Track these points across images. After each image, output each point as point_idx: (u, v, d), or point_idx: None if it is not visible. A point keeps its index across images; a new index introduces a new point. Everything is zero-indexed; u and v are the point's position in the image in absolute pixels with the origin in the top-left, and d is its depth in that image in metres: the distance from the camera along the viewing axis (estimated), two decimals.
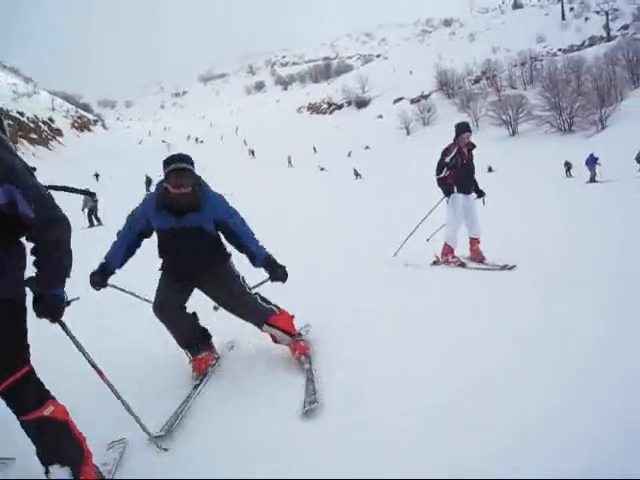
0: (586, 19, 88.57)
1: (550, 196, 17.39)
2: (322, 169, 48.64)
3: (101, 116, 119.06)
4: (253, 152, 63.80)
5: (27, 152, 60.72)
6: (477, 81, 75.93)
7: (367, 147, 63.62)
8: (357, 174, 40.96)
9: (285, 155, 56.57)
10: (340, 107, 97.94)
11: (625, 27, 76.94)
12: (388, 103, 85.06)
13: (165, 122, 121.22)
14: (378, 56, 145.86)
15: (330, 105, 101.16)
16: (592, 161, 25.12)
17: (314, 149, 64.16)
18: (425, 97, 78.13)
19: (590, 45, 74.50)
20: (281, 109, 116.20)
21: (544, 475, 2.30)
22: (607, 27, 75.80)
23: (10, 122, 62.14)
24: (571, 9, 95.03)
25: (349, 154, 62.80)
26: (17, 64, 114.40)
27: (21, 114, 67.08)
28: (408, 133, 69.67)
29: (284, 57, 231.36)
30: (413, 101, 78.82)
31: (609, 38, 72.77)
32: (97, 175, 42.86)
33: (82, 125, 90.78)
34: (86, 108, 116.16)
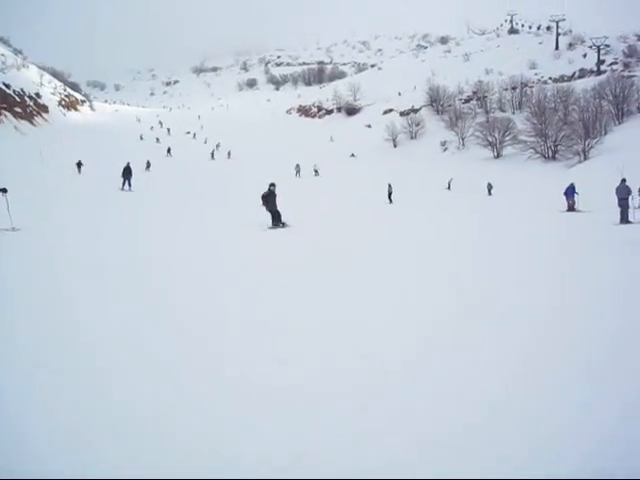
0: (573, 49, 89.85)
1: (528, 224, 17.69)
2: (316, 172, 47.33)
3: (89, 97, 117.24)
4: (229, 153, 59.72)
5: (9, 125, 59.45)
6: (467, 101, 76.68)
7: (353, 155, 63.82)
8: (390, 196, 31.38)
9: (270, 154, 56.26)
10: (330, 112, 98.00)
11: (615, 63, 78.45)
12: (378, 113, 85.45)
13: (154, 110, 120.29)
14: (372, 66, 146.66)
15: (320, 109, 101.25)
16: (572, 191, 25.52)
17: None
18: (415, 111, 78.64)
19: (580, 77, 75.72)
20: (271, 108, 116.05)
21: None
22: (598, 61, 76.91)
23: None
24: (560, 34, 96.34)
25: (352, 155, 63.07)
26: (6, 34, 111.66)
27: (7, 86, 65.51)
28: (395, 145, 70.05)
29: (279, 57, 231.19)
30: (402, 114, 79.28)
31: (599, 72, 74.01)
32: (80, 164, 37.90)
33: (69, 104, 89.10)
34: (75, 87, 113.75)
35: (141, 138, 69.86)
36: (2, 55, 77.78)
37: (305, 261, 9.41)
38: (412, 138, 71.26)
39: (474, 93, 77.85)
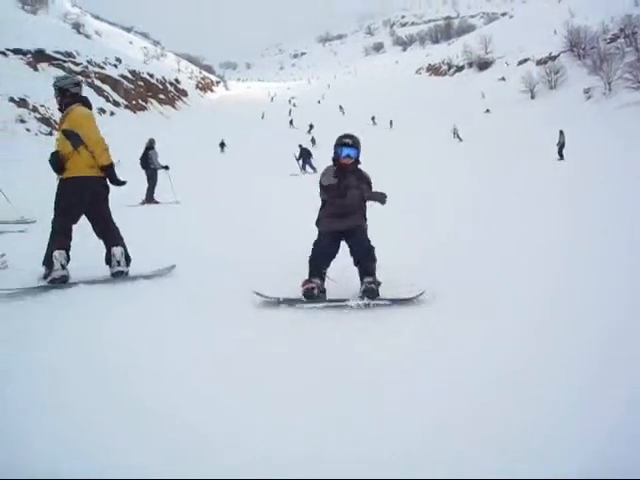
0: None
1: None
2: (456, 135, 44.14)
3: (223, 77, 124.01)
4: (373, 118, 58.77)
5: (155, 111, 65.20)
6: (613, 40, 70.41)
7: (488, 110, 62.06)
8: (562, 149, 25.94)
9: (406, 116, 56.21)
10: (461, 69, 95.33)
11: None
12: (512, 65, 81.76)
13: (285, 84, 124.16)
14: (503, 14, 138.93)
15: (450, 67, 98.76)
16: None
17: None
18: (553, 58, 74.03)
19: None
20: (400, 70, 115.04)
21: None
22: None
23: (141, 83, 67.04)
24: None
25: (487, 110, 61.19)
26: (146, 29, 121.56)
27: (151, 76, 71.62)
28: (533, 97, 66.87)
29: (403, 17, 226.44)
30: (539, 62, 75.11)
31: None
32: (223, 144, 38.59)
33: (205, 86, 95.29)
34: (209, 70, 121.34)
35: (274, 114, 72.40)
36: (144, 48, 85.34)
37: None
38: (551, 88, 67.44)
39: (621, 30, 71.20)
